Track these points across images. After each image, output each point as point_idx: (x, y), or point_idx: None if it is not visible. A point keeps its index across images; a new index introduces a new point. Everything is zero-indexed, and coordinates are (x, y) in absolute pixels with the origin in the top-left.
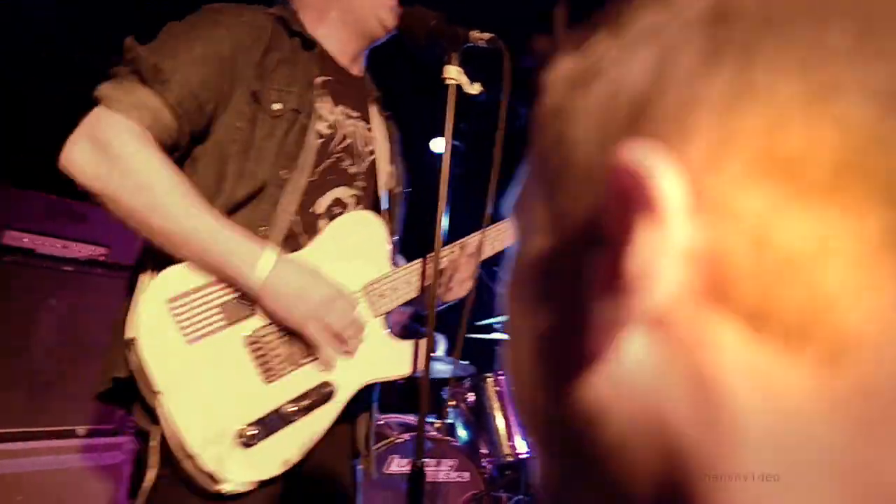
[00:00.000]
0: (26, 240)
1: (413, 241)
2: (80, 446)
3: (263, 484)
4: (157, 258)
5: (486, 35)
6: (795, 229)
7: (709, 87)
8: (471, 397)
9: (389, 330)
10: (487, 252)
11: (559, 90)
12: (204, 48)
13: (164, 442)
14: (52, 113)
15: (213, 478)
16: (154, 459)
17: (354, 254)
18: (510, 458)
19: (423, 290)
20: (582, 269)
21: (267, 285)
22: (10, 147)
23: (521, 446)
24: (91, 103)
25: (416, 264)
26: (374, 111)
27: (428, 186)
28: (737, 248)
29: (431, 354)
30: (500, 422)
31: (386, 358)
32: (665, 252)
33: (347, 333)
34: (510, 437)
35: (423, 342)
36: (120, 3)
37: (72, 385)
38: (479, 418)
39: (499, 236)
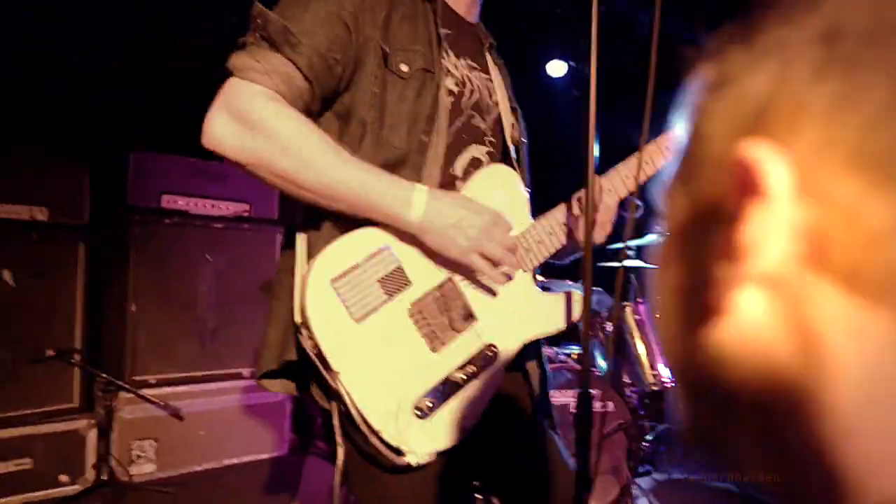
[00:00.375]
0: (181, 202)
1: (539, 184)
2: (246, 387)
3: (443, 453)
4: (308, 219)
5: None
6: (878, 211)
7: (817, 95)
8: (608, 327)
9: (540, 285)
10: (629, 188)
11: (698, 92)
12: (327, 7)
13: (343, 418)
14: (183, 80)
15: (397, 451)
16: (339, 437)
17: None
18: (655, 387)
19: (568, 238)
20: (710, 239)
21: (425, 221)
22: (148, 117)
23: (666, 373)
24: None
25: (556, 213)
26: (489, 59)
27: (545, 113)
28: (834, 225)
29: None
30: (641, 350)
31: (541, 314)
32: (771, 228)
33: (507, 259)
34: (653, 365)
35: (574, 294)
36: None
37: (233, 331)
38: (619, 348)
39: (631, 174)
